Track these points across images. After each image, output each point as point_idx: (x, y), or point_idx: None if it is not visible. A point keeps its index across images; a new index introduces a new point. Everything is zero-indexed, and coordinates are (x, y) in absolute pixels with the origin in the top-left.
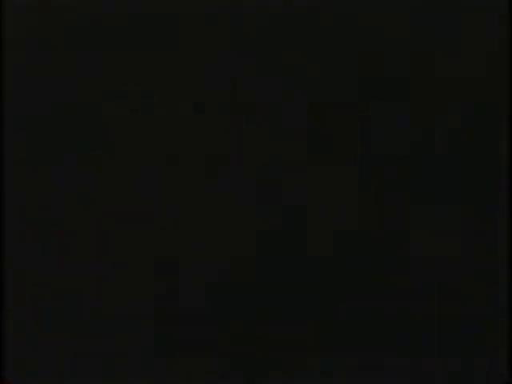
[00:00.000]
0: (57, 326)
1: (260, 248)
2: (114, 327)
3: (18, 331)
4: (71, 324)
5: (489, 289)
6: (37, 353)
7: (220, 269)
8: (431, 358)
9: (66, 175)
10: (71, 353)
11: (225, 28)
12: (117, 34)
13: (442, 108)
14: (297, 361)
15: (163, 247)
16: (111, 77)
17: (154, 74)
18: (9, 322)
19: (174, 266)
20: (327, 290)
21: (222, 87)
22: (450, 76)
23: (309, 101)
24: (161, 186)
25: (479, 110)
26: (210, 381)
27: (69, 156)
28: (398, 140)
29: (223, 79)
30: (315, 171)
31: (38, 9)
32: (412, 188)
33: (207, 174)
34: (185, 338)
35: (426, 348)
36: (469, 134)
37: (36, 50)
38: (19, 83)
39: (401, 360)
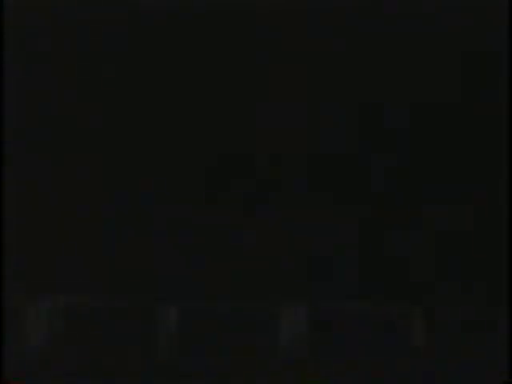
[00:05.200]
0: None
1: None
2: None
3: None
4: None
5: (489, 289)
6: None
7: None
8: (430, 358)
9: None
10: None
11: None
12: (117, 33)
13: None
14: None
15: None
16: (111, 77)
17: (155, 74)
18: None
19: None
20: None
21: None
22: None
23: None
24: None
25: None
26: None
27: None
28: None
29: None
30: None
31: (37, 9)
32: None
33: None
34: None
35: (426, 348)
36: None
37: (36, 49)
38: (19, 83)
39: (399, 360)
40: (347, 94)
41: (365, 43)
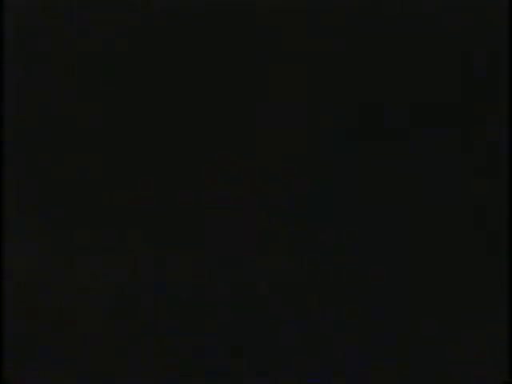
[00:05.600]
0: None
1: None
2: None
3: (18, 331)
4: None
5: (489, 289)
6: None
7: None
8: (430, 358)
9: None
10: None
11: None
12: (117, 33)
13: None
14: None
15: None
16: (112, 77)
17: (155, 74)
18: (9, 322)
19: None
20: None
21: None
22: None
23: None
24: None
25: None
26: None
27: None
28: None
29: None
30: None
31: (37, 9)
32: None
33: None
34: None
35: (426, 348)
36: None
37: (36, 50)
38: (19, 83)
39: (399, 360)
40: (347, 94)
41: (365, 43)
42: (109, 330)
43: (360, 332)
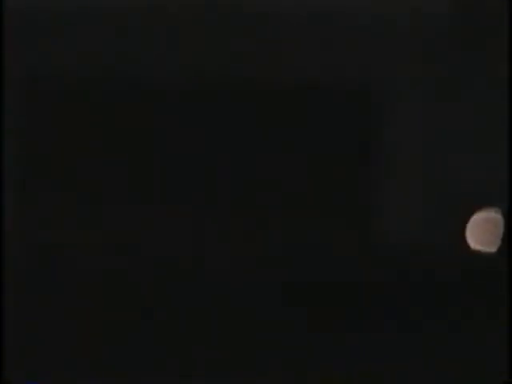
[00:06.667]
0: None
1: None
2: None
3: (18, 330)
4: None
5: (488, 288)
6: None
7: None
8: (430, 357)
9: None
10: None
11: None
12: (117, 31)
13: None
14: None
15: None
16: (113, 77)
17: (154, 74)
18: (9, 321)
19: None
20: None
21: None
22: None
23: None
24: None
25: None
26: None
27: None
28: None
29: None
30: None
31: (38, 9)
32: None
33: None
34: None
35: (425, 347)
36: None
37: (36, 50)
38: (19, 84)
39: (399, 360)
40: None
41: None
42: (109, 325)
43: (359, 332)
